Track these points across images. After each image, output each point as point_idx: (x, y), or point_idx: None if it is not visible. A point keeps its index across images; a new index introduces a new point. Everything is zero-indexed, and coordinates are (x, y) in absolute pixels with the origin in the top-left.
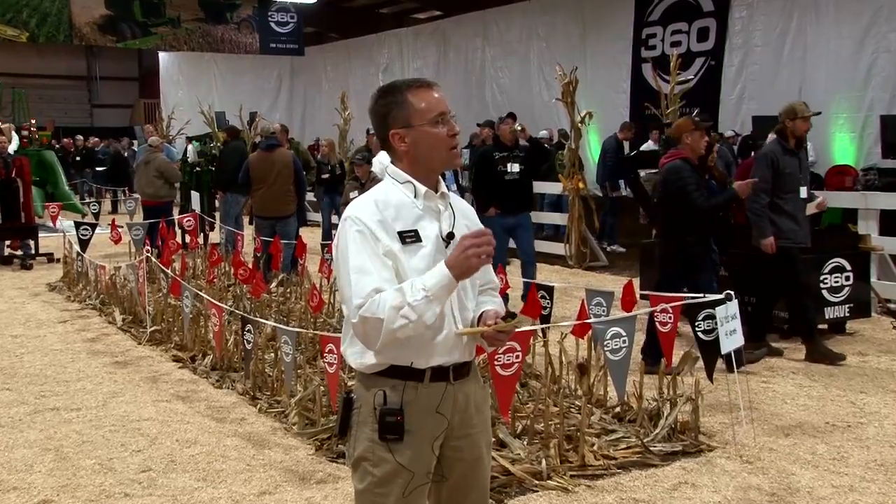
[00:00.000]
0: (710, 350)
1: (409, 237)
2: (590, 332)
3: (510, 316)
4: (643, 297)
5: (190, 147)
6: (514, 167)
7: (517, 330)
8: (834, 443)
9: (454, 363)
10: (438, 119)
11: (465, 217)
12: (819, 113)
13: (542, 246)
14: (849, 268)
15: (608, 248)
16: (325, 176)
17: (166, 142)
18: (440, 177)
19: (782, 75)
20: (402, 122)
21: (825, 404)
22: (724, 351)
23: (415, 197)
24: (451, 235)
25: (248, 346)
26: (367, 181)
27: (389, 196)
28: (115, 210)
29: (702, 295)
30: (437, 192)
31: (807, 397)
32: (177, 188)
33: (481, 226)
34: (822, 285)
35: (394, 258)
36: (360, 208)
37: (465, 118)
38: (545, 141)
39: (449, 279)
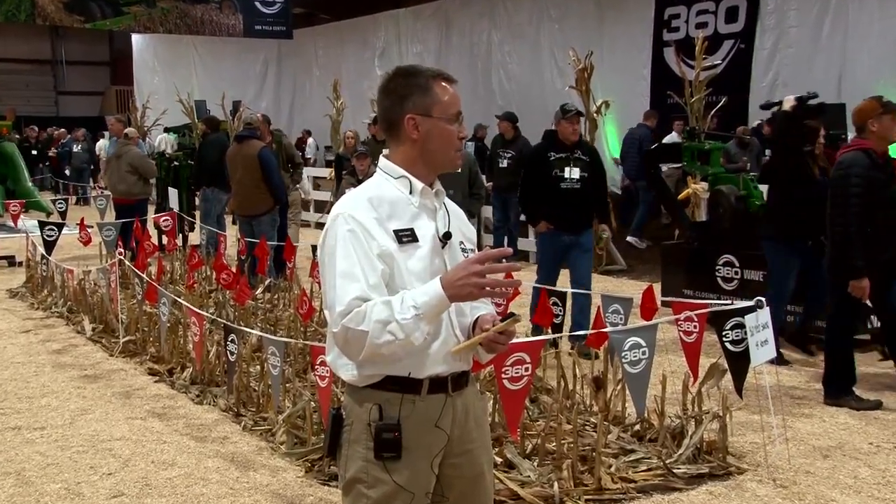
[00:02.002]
0: (739, 362)
1: (406, 236)
2: (606, 343)
3: (510, 317)
4: (665, 304)
5: (163, 137)
6: (574, 172)
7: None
8: (878, 466)
9: (453, 373)
10: (455, 118)
11: (458, 218)
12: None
13: None
14: None
15: (635, 241)
16: (345, 172)
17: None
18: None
19: (820, 60)
20: (422, 109)
21: (868, 423)
22: (755, 363)
23: (410, 193)
24: (447, 235)
25: (232, 358)
26: (364, 177)
27: (383, 192)
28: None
29: (729, 302)
30: (432, 189)
31: (848, 415)
32: (152, 184)
33: (473, 230)
34: None
35: (389, 259)
36: (353, 205)
37: (469, 108)
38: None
39: (442, 300)
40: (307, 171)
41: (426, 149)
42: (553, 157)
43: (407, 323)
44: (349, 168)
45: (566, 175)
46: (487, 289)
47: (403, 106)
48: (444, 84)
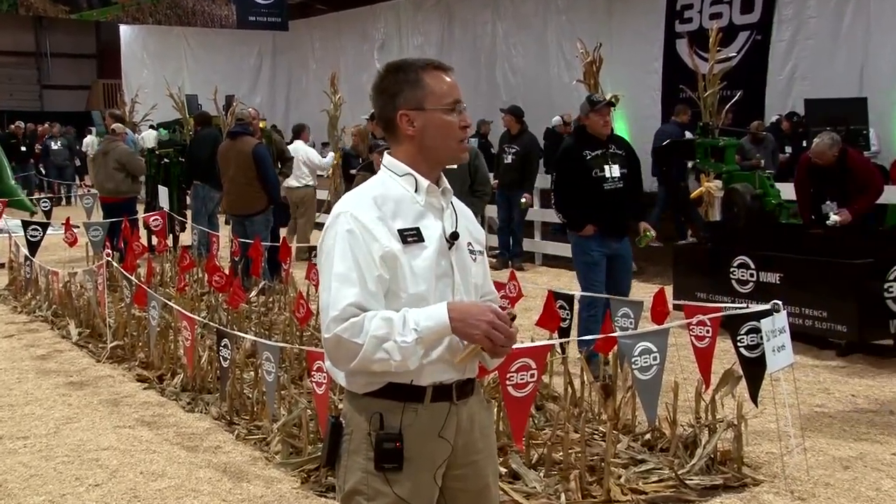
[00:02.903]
0: (754, 368)
1: (411, 236)
2: (615, 348)
3: (510, 318)
4: (676, 307)
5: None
6: (615, 170)
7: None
8: None
9: (458, 380)
10: (453, 106)
11: (466, 218)
12: None
13: (558, 249)
14: None
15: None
16: (354, 171)
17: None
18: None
19: (840, 52)
20: (413, 104)
21: (891, 433)
22: (771, 369)
23: (415, 192)
24: (454, 235)
25: (225, 364)
26: None
27: (388, 190)
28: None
29: (744, 305)
30: (439, 186)
31: (869, 424)
32: (141, 182)
33: (482, 231)
34: (886, 294)
35: (392, 260)
36: (355, 203)
37: (472, 103)
38: (559, 129)
39: (446, 329)
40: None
41: (425, 144)
42: (589, 156)
43: (406, 347)
44: (360, 165)
45: (607, 174)
46: (490, 342)
47: (395, 103)
48: (436, 73)
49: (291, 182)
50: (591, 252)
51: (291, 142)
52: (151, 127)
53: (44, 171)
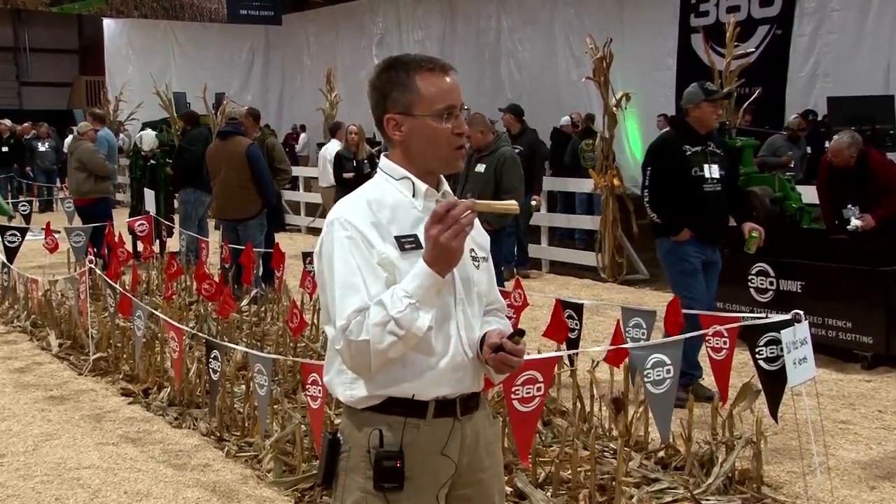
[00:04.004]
0: (774, 382)
1: (408, 243)
2: (627, 360)
3: (517, 334)
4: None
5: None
6: (714, 171)
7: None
8: None
9: (462, 394)
10: (446, 112)
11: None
12: None
13: (568, 255)
14: None
15: None
16: (349, 175)
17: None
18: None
19: (865, 47)
20: (401, 107)
21: None
22: (792, 383)
23: (413, 196)
24: None
25: (214, 377)
26: None
27: (384, 195)
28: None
29: (763, 315)
30: (438, 190)
31: None
32: (110, 182)
33: (486, 236)
34: None
35: (390, 267)
36: (350, 209)
37: (475, 102)
38: (566, 129)
39: (432, 277)
40: (297, 171)
41: (413, 151)
42: (689, 152)
43: (403, 315)
44: (354, 167)
45: (706, 174)
46: (461, 233)
47: (385, 105)
48: (430, 75)
49: (321, 182)
50: (689, 259)
51: (329, 141)
52: (151, 128)
53: (32, 175)
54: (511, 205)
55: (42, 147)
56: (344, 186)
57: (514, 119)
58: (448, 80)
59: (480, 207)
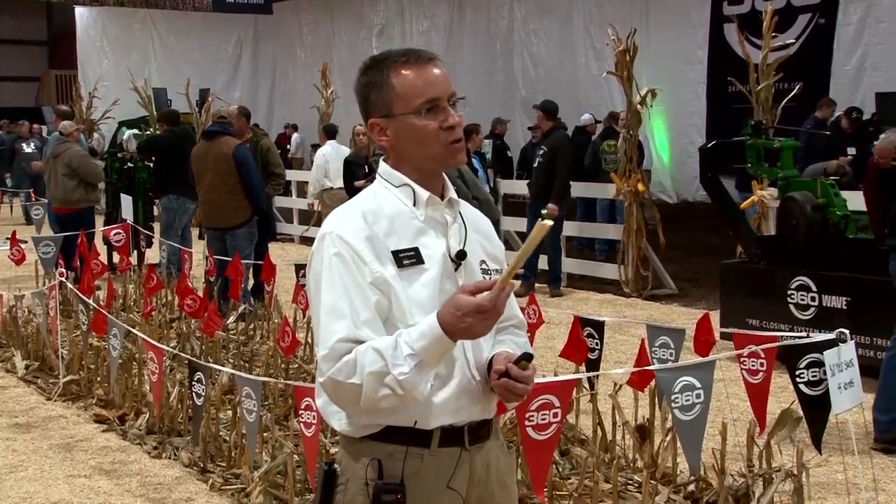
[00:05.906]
0: (816, 409)
1: (408, 258)
2: (652, 383)
3: (524, 358)
4: (724, 336)
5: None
6: None
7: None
8: None
9: (470, 422)
10: (427, 107)
11: (479, 231)
12: None
13: (588, 268)
14: None
15: None
16: (360, 183)
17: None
18: (446, 176)
19: None
20: (382, 110)
21: None
22: (836, 410)
23: (414, 205)
24: (461, 254)
25: (198, 402)
26: None
27: (381, 204)
28: None
29: (805, 334)
30: (443, 198)
31: None
32: (99, 190)
33: (500, 245)
34: None
35: (386, 287)
36: (343, 222)
37: (485, 98)
38: (589, 128)
39: (442, 342)
40: (290, 175)
41: (402, 154)
42: None
43: (406, 378)
44: (364, 175)
45: None
46: (487, 320)
47: (367, 110)
48: (405, 70)
49: (326, 183)
50: None
51: (325, 142)
52: (127, 127)
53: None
54: (541, 227)
55: (27, 148)
56: (351, 193)
57: (543, 116)
58: (428, 70)
59: (512, 273)
